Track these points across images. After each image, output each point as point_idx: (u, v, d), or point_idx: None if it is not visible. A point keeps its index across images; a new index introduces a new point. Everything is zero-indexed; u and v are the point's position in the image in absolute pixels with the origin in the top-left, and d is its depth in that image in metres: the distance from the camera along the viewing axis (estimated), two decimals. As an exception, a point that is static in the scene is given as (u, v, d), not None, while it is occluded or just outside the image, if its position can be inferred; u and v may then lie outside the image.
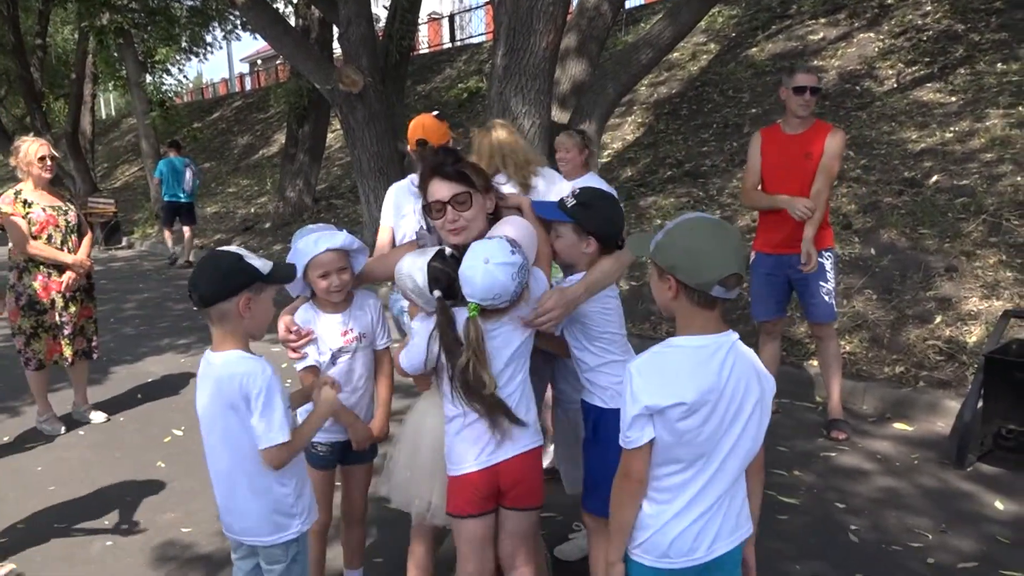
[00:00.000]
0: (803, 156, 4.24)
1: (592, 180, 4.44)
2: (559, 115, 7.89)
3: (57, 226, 4.74)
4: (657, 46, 7.65)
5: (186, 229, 12.13)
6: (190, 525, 3.66)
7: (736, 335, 1.88)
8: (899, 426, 4.47)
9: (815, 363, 5.17)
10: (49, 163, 4.71)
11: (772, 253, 4.43)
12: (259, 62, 43.76)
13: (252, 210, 14.81)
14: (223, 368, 2.09)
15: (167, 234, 12.57)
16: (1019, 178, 6.19)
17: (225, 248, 2.16)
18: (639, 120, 10.55)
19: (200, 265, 2.11)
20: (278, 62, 30.26)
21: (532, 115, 7.03)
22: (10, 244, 4.72)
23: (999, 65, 7.89)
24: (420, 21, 17.96)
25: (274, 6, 9.30)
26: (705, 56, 11.22)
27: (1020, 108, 7.08)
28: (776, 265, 4.44)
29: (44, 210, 4.70)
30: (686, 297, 1.82)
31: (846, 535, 3.35)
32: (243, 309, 2.08)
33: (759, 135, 4.52)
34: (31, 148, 4.68)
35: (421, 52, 19.57)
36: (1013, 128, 6.85)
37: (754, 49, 10.65)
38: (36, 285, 4.72)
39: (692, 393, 1.76)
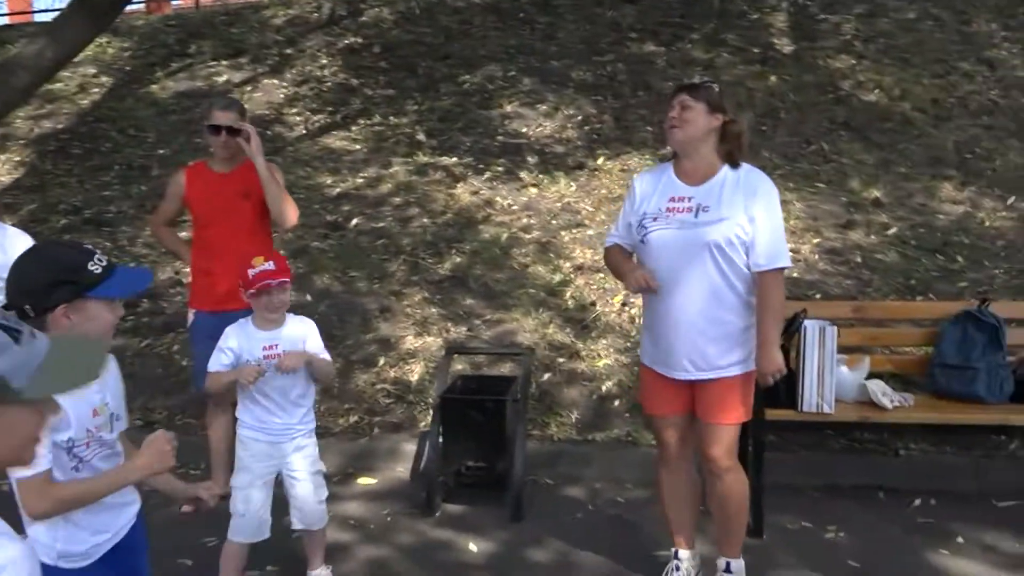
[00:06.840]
0: (241, 196, 3.91)
1: None
2: None
3: None
4: (36, 69, 6.35)
5: None
6: None
7: None
8: (363, 481, 4.28)
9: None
10: None
11: (217, 311, 3.84)
12: None
13: None
14: None
15: None
16: (426, 220, 6.73)
17: None
18: (17, 158, 8.73)
19: None
20: None
21: None
22: None
23: (391, 118, 8.59)
24: None
25: None
26: (96, 89, 9.89)
27: (415, 157, 7.77)
28: (221, 324, 3.85)
29: None
30: None
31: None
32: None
33: (183, 173, 4.11)
34: None
35: None
36: (412, 175, 7.46)
37: (155, 86, 9.77)
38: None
39: None
